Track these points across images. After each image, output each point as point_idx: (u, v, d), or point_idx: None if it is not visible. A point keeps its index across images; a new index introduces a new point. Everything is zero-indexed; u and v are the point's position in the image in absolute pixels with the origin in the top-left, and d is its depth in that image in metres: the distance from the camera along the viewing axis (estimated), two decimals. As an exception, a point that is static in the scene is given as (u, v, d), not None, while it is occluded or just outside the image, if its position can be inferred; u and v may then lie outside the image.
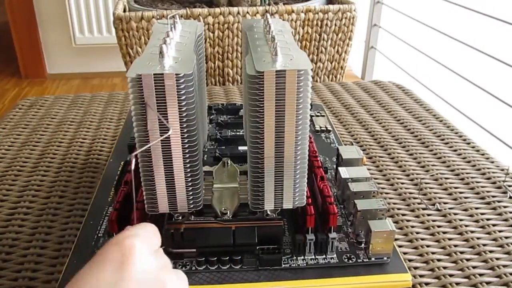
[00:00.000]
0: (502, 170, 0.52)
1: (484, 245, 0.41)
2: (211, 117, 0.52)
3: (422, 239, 0.42)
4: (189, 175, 0.32)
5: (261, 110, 0.30)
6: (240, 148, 0.45)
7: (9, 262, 0.39)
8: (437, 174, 0.51)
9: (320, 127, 0.53)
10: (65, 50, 1.84)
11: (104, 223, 0.38)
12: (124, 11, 1.01)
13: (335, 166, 0.45)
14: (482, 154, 0.55)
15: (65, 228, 0.43)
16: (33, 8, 1.78)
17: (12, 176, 0.51)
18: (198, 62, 0.38)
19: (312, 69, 0.31)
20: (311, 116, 0.55)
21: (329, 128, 0.53)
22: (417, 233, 0.43)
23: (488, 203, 0.47)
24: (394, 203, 0.47)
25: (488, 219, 0.44)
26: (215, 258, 0.34)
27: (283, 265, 0.34)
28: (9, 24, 1.80)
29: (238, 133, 0.49)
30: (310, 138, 0.44)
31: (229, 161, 0.42)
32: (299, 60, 0.31)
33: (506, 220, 0.44)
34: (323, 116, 0.56)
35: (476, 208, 0.46)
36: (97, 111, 0.67)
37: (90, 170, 0.52)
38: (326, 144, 0.50)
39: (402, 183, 0.50)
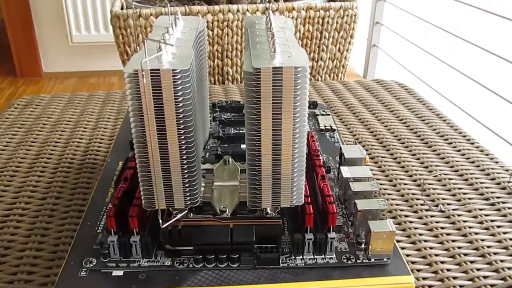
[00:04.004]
0: (507, 170, 0.51)
1: (488, 247, 0.40)
2: (214, 114, 0.52)
3: (425, 241, 0.41)
4: (185, 171, 0.32)
5: (258, 108, 0.30)
6: (243, 146, 0.45)
7: (4, 265, 0.38)
8: (440, 174, 0.50)
9: (325, 126, 0.53)
10: (62, 48, 1.83)
11: (102, 221, 0.38)
12: (122, 8, 1.00)
13: (338, 165, 0.45)
14: (487, 155, 0.54)
15: (61, 230, 0.42)
16: (29, 6, 1.77)
17: (7, 176, 0.50)
18: (198, 58, 0.38)
19: (310, 67, 0.31)
20: (316, 115, 0.55)
21: (334, 127, 0.53)
22: (420, 234, 0.42)
23: (493, 204, 0.46)
24: (397, 204, 0.46)
25: (492, 221, 0.44)
26: (213, 256, 0.33)
27: (281, 264, 0.33)
28: (4, 21, 1.79)
29: (241, 131, 0.49)
30: (313, 136, 0.44)
31: (230, 159, 0.42)
32: (298, 57, 0.30)
33: (511, 221, 0.43)
34: (329, 115, 0.56)
35: (480, 209, 0.45)
36: (94, 111, 0.66)
37: (87, 171, 0.51)
38: (330, 143, 0.50)
39: (405, 184, 0.49)
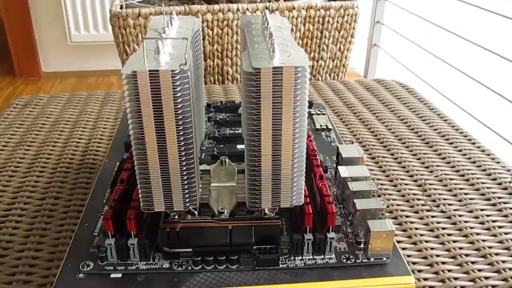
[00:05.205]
0: (508, 170, 0.51)
1: (489, 247, 0.40)
2: (209, 115, 0.52)
3: (426, 241, 0.41)
4: (184, 173, 0.31)
5: (258, 108, 0.30)
6: (239, 146, 0.45)
7: (3, 265, 0.38)
8: (441, 174, 0.50)
9: (321, 126, 0.52)
10: (61, 48, 1.83)
11: (100, 223, 0.37)
12: (121, 8, 1.00)
13: (335, 165, 0.45)
14: (488, 154, 0.54)
15: (60, 230, 0.42)
16: (28, 5, 1.76)
17: (6, 177, 0.50)
18: (195, 58, 0.38)
19: (310, 66, 0.30)
20: (312, 115, 0.55)
21: (330, 126, 0.52)
22: (421, 235, 0.42)
23: (494, 205, 0.46)
24: (398, 205, 0.46)
25: (494, 221, 0.43)
26: (212, 258, 0.33)
27: (281, 265, 0.33)
28: (2, 21, 1.79)
29: (236, 131, 0.49)
30: (309, 136, 0.44)
31: (227, 160, 0.41)
32: (297, 56, 0.30)
33: (512, 221, 0.43)
34: (324, 114, 0.55)
35: (482, 210, 0.45)
36: (93, 110, 0.66)
37: (86, 171, 0.51)
38: (326, 143, 0.50)
39: (406, 184, 0.49)
